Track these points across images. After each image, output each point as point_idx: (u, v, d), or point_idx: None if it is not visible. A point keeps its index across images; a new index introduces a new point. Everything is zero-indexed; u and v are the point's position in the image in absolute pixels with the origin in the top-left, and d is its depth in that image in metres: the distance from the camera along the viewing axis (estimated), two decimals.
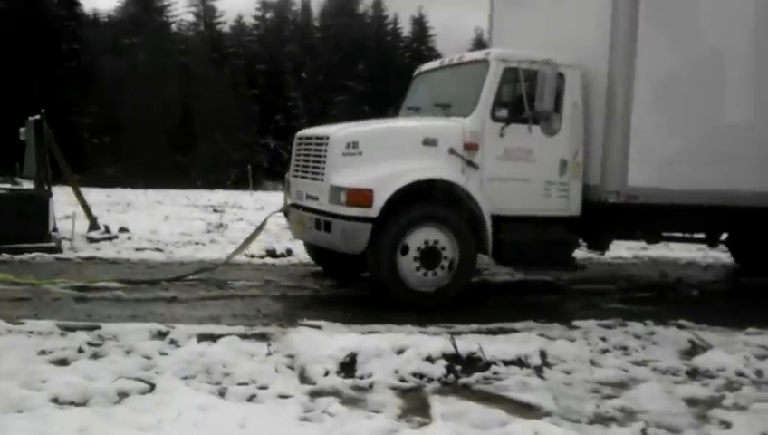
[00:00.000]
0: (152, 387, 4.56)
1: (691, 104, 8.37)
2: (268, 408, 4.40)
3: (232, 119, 46.22)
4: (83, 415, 4.06)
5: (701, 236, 9.87)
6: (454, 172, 7.50)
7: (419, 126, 7.88)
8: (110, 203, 17.49)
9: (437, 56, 10.86)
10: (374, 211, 7.11)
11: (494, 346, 5.56)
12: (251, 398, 4.57)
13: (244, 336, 5.70)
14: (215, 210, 17.29)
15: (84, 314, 6.41)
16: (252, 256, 10.01)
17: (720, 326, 6.86)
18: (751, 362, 5.71)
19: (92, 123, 43.61)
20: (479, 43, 44.85)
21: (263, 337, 5.77)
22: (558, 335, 6.28)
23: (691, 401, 4.92)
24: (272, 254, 10.21)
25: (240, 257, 9.73)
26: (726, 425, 4.54)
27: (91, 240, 10.55)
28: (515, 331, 6.43)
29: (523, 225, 7.84)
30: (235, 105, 47.23)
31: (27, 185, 10.50)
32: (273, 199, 15.29)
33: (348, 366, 5.11)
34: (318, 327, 6.12)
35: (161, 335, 5.61)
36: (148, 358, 5.11)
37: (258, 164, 42.10)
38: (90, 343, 5.34)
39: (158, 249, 10.35)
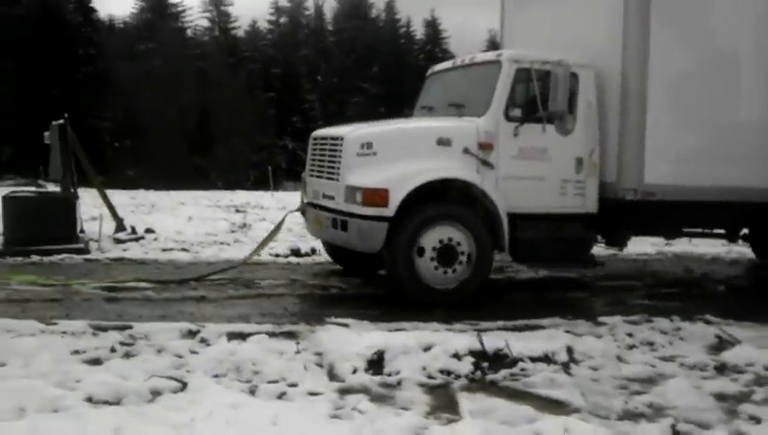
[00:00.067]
0: (184, 386, 4.62)
1: (705, 102, 8.35)
2: (298, 405, 4.44)
3: (249, 122, 46.39)
4: (118, 414, 4.11)
5: (720, 231, 9.80)
6: (469, 172, 7.52)
7: (433, 126, 7.90)
8: (134, 204, 17.61)
9: (451, 58, 10.90)
10: (390, 211, 7.14)
11: (520, 343, 5.58)
12: (281, 396, 4.62)
13: (272, 334, 5.77)
14: (237, 210, 17.36)
15: (115, 314, 6.50)
16: (277, 256, 10.09)
17: (747, 321, 6.84)
18: None
19: (112, 127, 43.96)
20: (492, 45, 44.72)
21: (291, 335, 5.82)
22: (584, 332, 6.29)
23: (720, 397, 4.92)
24: (296, 253, 10.27)
25: (266, 257, 9.85)
26: (756, 420, 4.53)
27: (118, 241, 10.65)
28: (542, 327, 6.44)
29: (539, 222, 7.85)
30: (252, 108, 47.37)
31: (51, 187, 10.64)
32: (293, 199, 15.33)
33: (376, 364, 5.15)
34: (345, 325, 6.17)
35: (192, 334, 5.68)
36: (180, 357, 5.18)
37: (277, 165, 42.21)
38: (122, 343, 5.42)
39: (184, 249, 10.43)
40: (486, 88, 7.82)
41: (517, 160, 7.73)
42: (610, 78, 8.11)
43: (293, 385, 4.78)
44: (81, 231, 10.27)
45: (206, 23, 58.45)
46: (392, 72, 52.77)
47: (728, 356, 5.75)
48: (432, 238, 7.36)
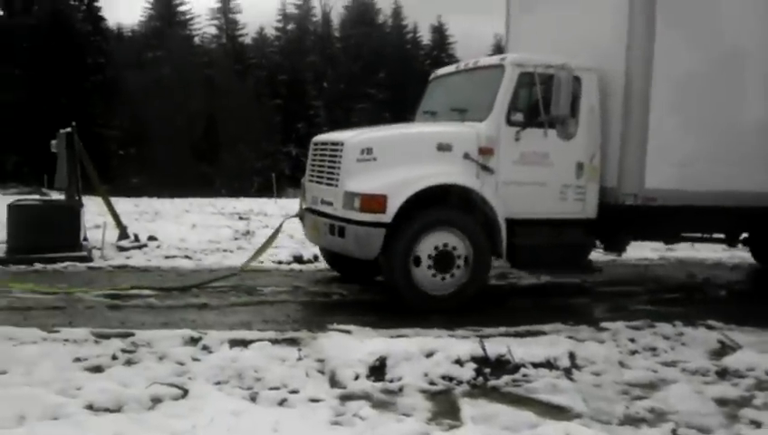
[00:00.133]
0: (185, 393, 4.64)
1: (709, 106, 8.31)
2: (300, 412, 4.45)
3: (255, 129, 46.57)
4: (118, 421, 4.14)
5: (720, 236, 9.74)
6: (468, 177, 7.49)
7: (433, 131, 7.87)
8: (138, 212, 17.64)
9: (456, 63, 10.86)
10: (388, 217, 7.12)
11: (522, 349, 5.58)
12: (282, 402, 4.63)
13: (274, 341, 5.78)
14: (241, 218, 17.36)
15: (118, 322, 6.52)
16: (279, 263, 10.10)
17: (749, 326, 6.83)
18: None
19: (118, 135, 44.25)
20: (498, 50, 44.66)
21: (293, 342, 5.85)
22: (586, 337, 6.29)
23: (721, 402, 4.92)
24: (299, 260, 10.27)
25: (268, 264, 9.86)
26: (757, 425, 4.54)
27: (121, 249, 10.67)
28: (544, 333, 6.45)
29: (538, 228, 7.82)
30: (259, 115, 47.56)
31: (54, 196, 10.68)
32: (296, 206, 15.38)
33: (378, 370, 5.16)
34: (347, 332, 6.18)
35: (194, 341, 5.70)
36: (181, 364, 5.20)
37: (281, 172, 42.35)
38: (124, 350, 5.44)
39: (187, 257, 10.44)
40: (489, 92, 7.81)
41: (518, 166, 7.70)
42: (614, 80, 8.07)
43: (295, 392, 4.79)
44: (85, 239, 10.30)
45: (213, 30, 58.95)
46: (398, 78, 52.88)
47: (730, 361, 5.74)
48: (429, 244, 7.33)
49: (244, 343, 5.64)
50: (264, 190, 35.16)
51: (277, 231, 9.55)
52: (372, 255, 7.29)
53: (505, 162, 7.66)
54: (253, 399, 4.65)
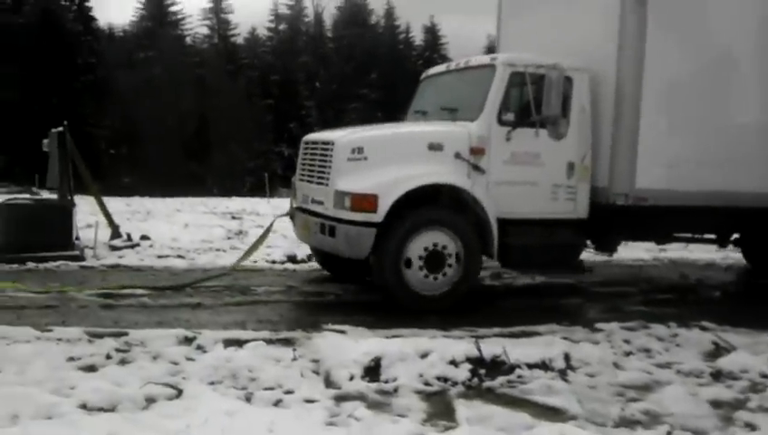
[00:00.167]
0: (179, 392, 4.62)
1: (699, 106, 8.32)
2: (294, 413, 4.43)
3: (247, 128, 46.55)
4: (112, 421, 4.11)
5: (711, 236, 9.76)
6: (460, 177, 7.48)
7: (425, 131, 7.86)
8: (130, 211, 17.56)
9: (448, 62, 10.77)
10: (378, 216, 7.11)
11: (517, 349, 5.57)
12: (277, 403, 4.61)
13: (269, 341, 5.76)
14: (233, 217, 17.33)
15: (111, 321, 6.48)
16: (273, 262, 10.08)
17: (743, 328, 6.84)
18: None
19: (109, 135, 44.13)
20: (491, 51, 44.51)
21: (288, 342, 5.83)
22: (581, 338, 6.29)
23: (716, 404, 4.93)
24: (292, 259, 10.25)
25: (262, 263, 9.83)
26: (752, 427, 4.54)
27: (114, 248, 10.62)
28: (538, 334, 6.44)
29: (529, 228, 7.80)
30: (250, 115, 47.54)
31: (45, 195, 10.62)
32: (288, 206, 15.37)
33: (373, 370, 5.14)
34: (342, 332, 6.16)
35: (188, 341, 5.68)
36: (176, 364, 5.18)
37: (273, 172, 42.30)
38: (117, 350, 5.42)
39: (180, 256, 10.39)
40: (480, 92, 7.79)
41: (509, 165, 7.69)
42: (605, 81, 8.07)
43: (290, 392, 4.78)
44: (77, 238, 10.25)
45: (205, 30, 58.88)
46: (391, 78, 52.92)
47: (724, 363, 5.75)
48: (420, 244, 7.32)
49: (239, 343, 5.62)
50: (257, 190, 35.13)
51: (268, 230, 9.52)
52: (363, 254, 7.27)
53: (496, 162, 7.64)
54: (247, 399, 4.63)
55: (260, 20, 61.09)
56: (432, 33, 63.44)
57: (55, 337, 5.64)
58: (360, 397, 4.76)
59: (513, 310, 7.93)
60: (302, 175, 8.46)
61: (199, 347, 5.56)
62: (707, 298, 9.09)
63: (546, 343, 5.94)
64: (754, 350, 6.05)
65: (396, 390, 4.92)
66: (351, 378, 5.03)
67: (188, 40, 56.68)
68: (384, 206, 7.10)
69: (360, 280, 8.66)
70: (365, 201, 7.10)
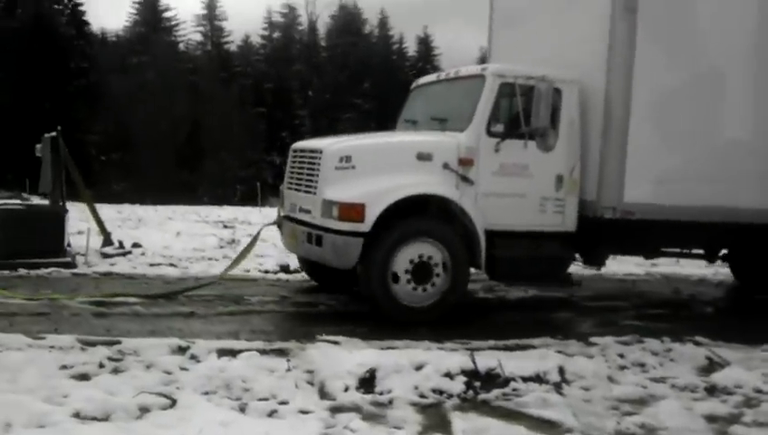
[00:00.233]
0: (173, 402, 4.59)
1: (689, 120, 8.31)
2: (289, 423, 4.41)
3: (239, 137, 46.48)
4: (105, 430, 4.10)
5: (699, 252, 9.74)
6: (448, 187, 7.45)
7: (413, 141, 7.84)
8: (121, 219, 17.51)
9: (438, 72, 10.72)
10: (366, 226, 7.07)
11: (512, 362, 5.57)
12: (271, 413, 4.59)
13: (263, 352, 5.74)
14: (225, 226, 17.28)
15: (104, 329, 6.43)
16: (266, 272, 10.04)
17: (737, 343, 6.85)
18: None
19: (100, 141, 43.96)
20: (482, 62, 44.86)
21: (282, 353, 5.80)
22: (576, 352, 6.29)
23: (710, 418, 4.94)
24: (285, 269, 10.20)
25: (255, 273, 9.80)
26: None
27: (105, 256, 10.56)
28: (533, 347, 6.44)
29: (517, 240, 7.77)
30: (243, 123, 47.47)
31: (36, 201, 10.54)
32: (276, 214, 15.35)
33: (367, 382, 5.13)
34: (336, 343, 6.15)
35: (181, 350, 5.64)
36: (169, 373, 5.14)
37: (264, 181, 42.25)
38: (110, 358, 5.38)
39: (172, 265, 10.34)
40: (469, 102, 7.77)
41: (497, 177, 7.67)
42: (595, 94, 8.06)
43: (284, 403, 4.76)
44: (68, 245, 10.18)
45: (199, 37, 58.85)
46: (384, 88, 52.93)
47: (718, 378, 5.77)
48: (407, 255, 7.29)
49: (233, 353, 5.58)
50: (248, 199, 35.05)
51: (255, 238, 9.47)
52: (350, 264, 7.24)
53: (485, 173, 7.62)
54: (242, 410, 4.60)
55: (254, 27, 61.16)
56: (425, 44, 63.66)
57: (48, 345, 5.59)
58: (355, 408, 4.74)
59: (506, 323, 7.91)
60: (290, 183, 8.42)
61: (193, 357, 5.52)
62: (700, 313, 9.11)
63: (541, 357, 5.94)
64: (748, 365, 6.07)
65: (391, 401, 4.91)
66: (346, 389, 5.01)
67: (182, 46, 56.64)
68: (371, 215, 7.07)
69: (348, 290, 8.59)
70: (353, 210, 7.07)
